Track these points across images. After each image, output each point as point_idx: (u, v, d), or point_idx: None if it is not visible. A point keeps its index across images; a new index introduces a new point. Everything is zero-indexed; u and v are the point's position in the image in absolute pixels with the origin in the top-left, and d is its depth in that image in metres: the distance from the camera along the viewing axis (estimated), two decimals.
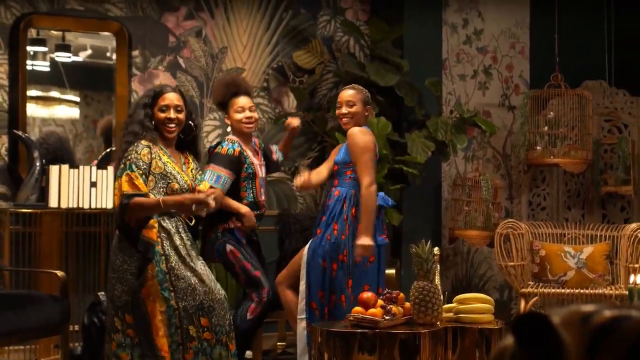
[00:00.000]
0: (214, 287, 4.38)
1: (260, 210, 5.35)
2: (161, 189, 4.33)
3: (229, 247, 5.18)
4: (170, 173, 4.37)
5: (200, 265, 4.42)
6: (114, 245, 4.43)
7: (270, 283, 5.22)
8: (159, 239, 4.28)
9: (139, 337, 4.27)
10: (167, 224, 4.35)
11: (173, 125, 4.44)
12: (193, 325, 4.28)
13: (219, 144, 5.31)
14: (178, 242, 4.35)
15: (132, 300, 4.25)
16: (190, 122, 4.58)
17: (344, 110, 5.07)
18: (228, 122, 5.46)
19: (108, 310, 4.43)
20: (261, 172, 5.39)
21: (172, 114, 4.44)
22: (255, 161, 5.35)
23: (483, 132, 7.23)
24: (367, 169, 4.88)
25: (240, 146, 5.25)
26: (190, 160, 4.60)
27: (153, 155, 4.33)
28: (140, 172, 4.26)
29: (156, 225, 4.29)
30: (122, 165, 4.29)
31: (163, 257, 4.27)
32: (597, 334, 1.09)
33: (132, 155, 4.28)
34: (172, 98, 4.47)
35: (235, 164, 5.18)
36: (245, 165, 5.24)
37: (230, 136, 5.37)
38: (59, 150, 6.42)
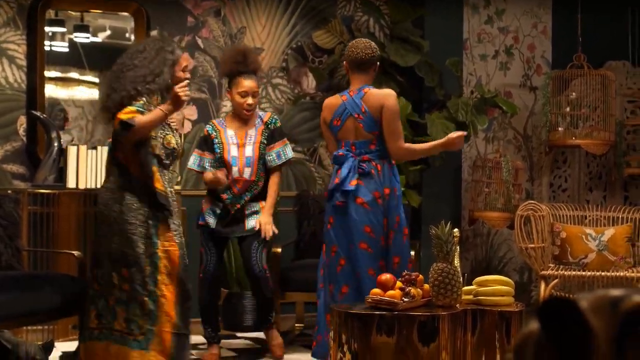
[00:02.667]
0: None
1: (233, 190, 5.46)
2: (159, 139, 4.51)
3: (200, 221, 5.57)
4: (169, 127, 4.61)
5: None
6: (104, 198, 4.52)
7: (212, 263, 5.46)
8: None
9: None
10: None
11: (189, 90, 4.51)
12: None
13: None
14: None
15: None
16: None
17: None
18: (229, 96, 5.54)
19: (103, 266, 4.47)
20: (244, 151, 5.42)
21: (186, 77, 4.61)
22: (232, 141, 5.49)
23: (504, 112, 7.16)
24: None
25: (213, 128, 5.58)
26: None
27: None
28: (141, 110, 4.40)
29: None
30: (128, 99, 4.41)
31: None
32: (627, 319, 1.04)
33: (139, 100, 4.44)
34: (188, 65, 4.70)
35: (204, 142, 5.59)
36: (215, 145, 5.53)
37: (214, 119, 5.79)
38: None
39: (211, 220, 5.49)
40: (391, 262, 4.83)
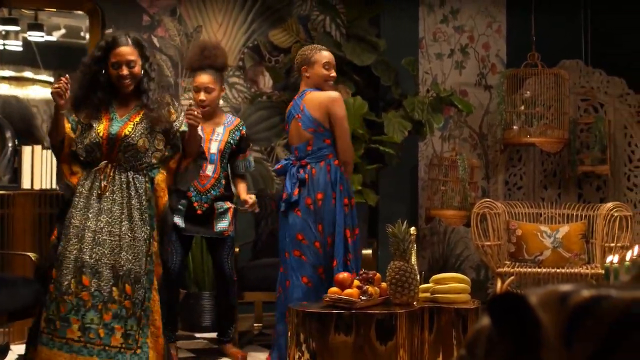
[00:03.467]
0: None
1: (194, 185, 5.35)
2: (85, 139, 4.41)
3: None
4: (90, 126, 4.42)
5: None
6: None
7: (177, 263, 5.34)
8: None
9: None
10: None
11: (127, 80, 4.40)
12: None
13: None
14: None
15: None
16: (146, 71, 4.47)
17: (334, 74, 5.09)
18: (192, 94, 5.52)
19: (103, 279, 4.26)
20: (208, 146, 5.40)
21: (124, 71, 4.38)
22: (210, 137, 5.44)
23: (460, 111, 7.21)
24: None
25: None
26: (140, 114, 4.47)
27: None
28: (70, 119, 4.42)
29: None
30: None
31: None
32: (575, 313, 1.06)
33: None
34: (124, 53, 4.38)
35: None
36: None
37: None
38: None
39: (179, 220, 5.35)
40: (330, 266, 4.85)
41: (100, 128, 4.41)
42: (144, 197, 4.41)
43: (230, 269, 5.47)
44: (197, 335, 6.25)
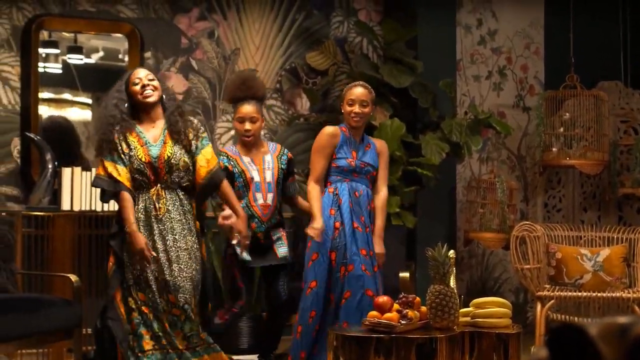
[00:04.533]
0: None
1: (257, 215, 5.38)
2: (127, 167, 4.72)
3: (229, 250, 5.37)
4: (129, 153, 4.73)
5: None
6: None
7: (249, 296, 5.51)
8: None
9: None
10: None
11: (149, 90, 4.77)
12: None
13: None
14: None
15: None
16: (168, 97, 4.94)
17: (358, 109, 5.10)
18: (234, 125, 5.54)
19: (187, 292, 4.69)
20: (264, 176, 5.39)
21: (145, 81, 4.77)
22: (251, 167, 5.41)
23: (498, 133, 7.17)
24: None
25: (228, 158, 5.42)
26: (168, 136, 4.82)
27: (121, 138, 4.73)
28: (113, 157, 4.71)
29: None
30: (103, 151, 4.75)
31: None
32: (636, 345, 1.03)
33: (109, 146, 4.72)
34: (140, 74, 4.82)
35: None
36: (235, 175, 5.39)
37: (224, 148, 5.72)
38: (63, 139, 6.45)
39: (245, 254, 5.33)
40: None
41: (140, 153, 4.70)
42: (190, 211, 4.82)
43: (286, 291, 5.47)
44: (235, 357, 6.23)
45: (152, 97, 4.78)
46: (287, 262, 5.50)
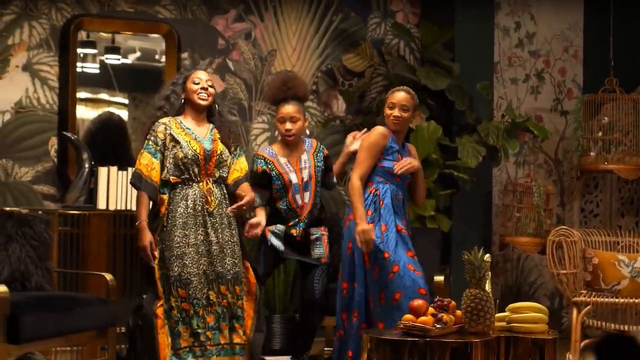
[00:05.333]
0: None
1: (299, 215, 5.40)
2: (170, 158, 4.87)
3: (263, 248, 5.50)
4: (178, 142, 4.88)
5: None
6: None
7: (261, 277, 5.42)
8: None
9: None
10: None
11: (205, 94, 4.97)
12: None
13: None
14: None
15: None
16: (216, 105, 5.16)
17: (398, 113, 5.08)
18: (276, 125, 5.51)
19: (164, 288, 4.79)
20: (301, 176, 5.39)
21: (204, 84, 4.97)
22: (288, 169, 5.40)
23: (535, 137, 7.11)
24: None
25: (265, 161, 5.44)
26: (217, 134, 5.05)
27: (168, 131, 4.89)
28: (152, 151, 4.86)
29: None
30: (145, 141, 4.92)
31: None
32: None
33: (151, 134, 4.90)
34: (202, 76, 5.02)
35: (261, 178, 5.42)
36: (273, 178, 5.40)
37: (261, 150, 5.66)
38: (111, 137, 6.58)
39: (278, 243, 5.41)
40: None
41: (195, 145, 4.89)
42: (228, 205, 4.97)
43: (320, 290, 5.43)
44: (267, 358, 6.23)
45: (206, 101, 4.99)
46: (323, 264, 5.47)
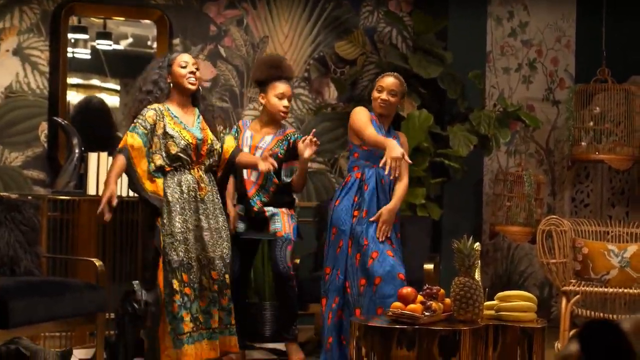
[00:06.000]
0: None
1: (247, 190, 5.46)
2: (162, 151, 4.87)
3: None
4: (169, 134, 4.88)
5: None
6: None
7: (237, 269, 5.47)
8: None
9: None
10: None
11: (194, 79, 4.96)
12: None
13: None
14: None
15: None
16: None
17: (385, 96, 5.08)
18: (263, 101, 5.47)
19: (165, 274, 4.81)
20: (253, 154, 5.43)
21: (192, 68, 4.95)
22: (246, 142, 5.46)
23: (526, 126, 7.11)
24: None
25: (237, 129, 5.56)
26: (204, 123, 5.08)
27: (157, 118, 4.88)
28: (140, 133, 4.82)
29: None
30: (132, 124, 4.88)
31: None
32: None
33: (140, 118, 4.86)
34: (188, 59, 4.99)
35: None
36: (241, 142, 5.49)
37: (242, 120, 5.75)
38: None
39: (241, 225, 5.48)
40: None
41: (186, 135, 4.90)
42: (218, 195, 5.05)
43: (286, 267, 5.38)
44: (257, 345, 6.24)
45: (195, 85, 5.01)
46: (282, 237, 5.41)
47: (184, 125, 4.95)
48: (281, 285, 5.43)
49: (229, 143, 5.22)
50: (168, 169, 4.90)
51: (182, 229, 4.86)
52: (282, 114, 5.45)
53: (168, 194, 4.86)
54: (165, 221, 4.85)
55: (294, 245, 5.48)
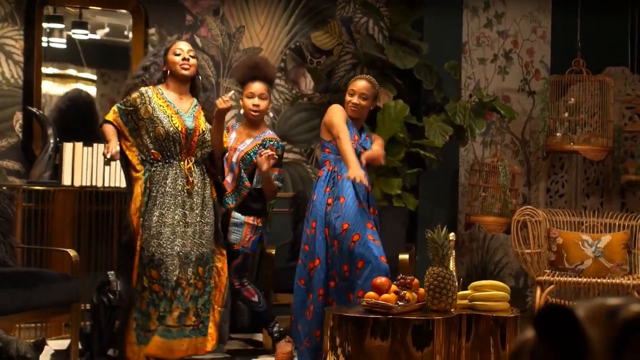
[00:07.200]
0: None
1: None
2: (150, 133, 4.87)
3: None
4: (157, 117, 4.86)
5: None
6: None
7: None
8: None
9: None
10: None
11: (187, 65, 4.96)
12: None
13: None
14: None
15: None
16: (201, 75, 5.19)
17: (356, 100, 5.14)
18: (242, 103, 5.51)
19: (140, 270, 4.79)
20: (232, 155, 5.45)
21: (185, 55, 4.97)
22: (237, 146, 5.43)
23: (502, 117, 7.14)
24: None
25: (233, 130, 5.58)
26: (200, 111, 5.05)
27: (143, 101, 4.89)
28: (120, 111, 4.92)
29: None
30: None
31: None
32: (624, 329, 1.02)
33: (126, 99, 4.94)
34: (184, 47, 5.03)
35: None
36: None
37: (238, 123, 5.78)
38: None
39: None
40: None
41: (176, 121, 4.87)
42: (209, 188, 5.00)
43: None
44: (233, 335, 6.24)
45: (188, 71, 4.99)
46: (237, 251, 5.41)
47: (177, 110, 4.94)
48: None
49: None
50: (156, 155, 4.88)
51: (157, 223, 4.80)
52: (252, 113, 5.45)
53: (151, 186, 4.85)
54: (145, 215, 4.84)
55: (261, 251, 5.76)
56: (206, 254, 4.90)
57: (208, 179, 5.01)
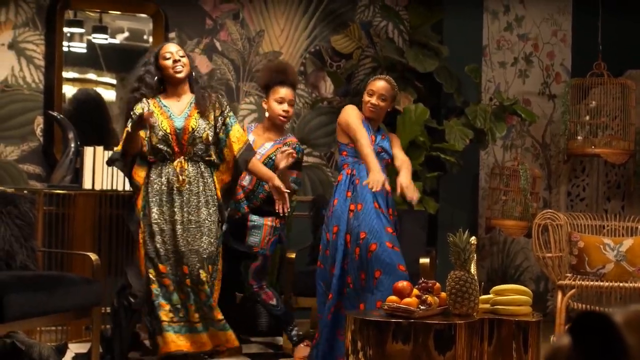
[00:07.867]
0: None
1: (237, 193, 5.45)
2: (148, 142, 4.90)
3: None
4: (152, 126, 4.86)
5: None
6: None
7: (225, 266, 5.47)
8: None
9: None
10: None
11: (180, 66, 4.93)
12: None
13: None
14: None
15: None
16: (196, 74, 5.10)
17: (375, 101, 5.11)
18: (265, 106, 5.50)
19: (145, 263, 4.84)
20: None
21: (175, 57, 4.93)
22: (257, 149, 5.40)
23: (522, 120, 7.11)
24: None
25: (249, 132, 5.57)
26: (195, 109, 4.97)
27: (146, 110, 4.83)
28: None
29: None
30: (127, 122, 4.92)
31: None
32: None
33: (132, 115, 4.89)
34: (172, 49, 4.97)
35: None
36: None
37: (253, 124, 5.80)
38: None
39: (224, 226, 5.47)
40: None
41: (165, 125, 4.86)
42: (212, 186, 4.95)
43: (248, 285, 5.56)
44: (253, 339, 6.24)
45: (182, 72, 4.96)
46: (257, 253, 5.46)
47: (170, 114, 4.93)
48: (249, 299, 5.53)
49: (236, 135, 5.02)
50: (152, 159, 4.92)
51: (158, 221, 4.85)
52: (282, 118, 5.48)
53: (149, 185, 4.89)
54: (146, 211, 4.89)
55: (283, 251, 5.72)
56: (209, 252, 4.88)
57: (210, 178, 4.96)
